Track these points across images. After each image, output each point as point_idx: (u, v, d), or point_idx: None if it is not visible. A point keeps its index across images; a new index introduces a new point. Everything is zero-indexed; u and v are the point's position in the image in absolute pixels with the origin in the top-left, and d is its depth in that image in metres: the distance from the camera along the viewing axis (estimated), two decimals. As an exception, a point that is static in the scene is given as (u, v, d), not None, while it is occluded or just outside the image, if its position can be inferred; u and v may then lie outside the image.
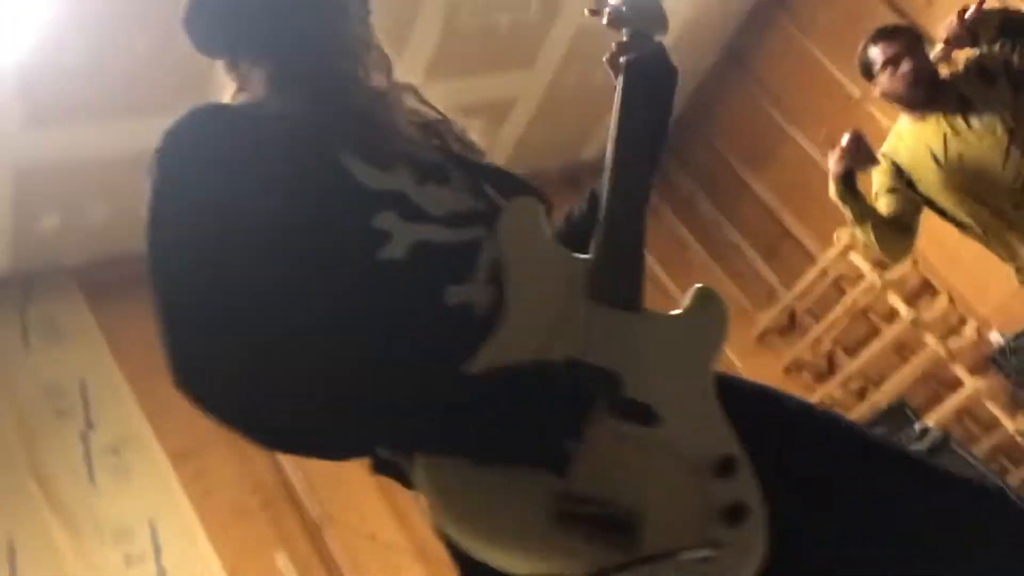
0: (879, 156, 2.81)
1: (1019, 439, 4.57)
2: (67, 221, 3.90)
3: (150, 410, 3.79)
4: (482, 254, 1.12)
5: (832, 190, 2.80)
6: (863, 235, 2.83)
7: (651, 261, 5.50)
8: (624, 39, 1.32)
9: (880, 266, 4.89)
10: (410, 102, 1.28)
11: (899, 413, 4.08)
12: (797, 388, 5.56)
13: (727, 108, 5.79)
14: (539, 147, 5.32)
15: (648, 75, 1.27)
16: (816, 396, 5.47)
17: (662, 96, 1.31)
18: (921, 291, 5.16)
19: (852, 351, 5.44)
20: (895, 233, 2.82)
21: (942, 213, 2.83)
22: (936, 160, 2.72)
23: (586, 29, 4.72)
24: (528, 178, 1.28)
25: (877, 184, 2.87)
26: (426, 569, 3.65)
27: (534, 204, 1.16)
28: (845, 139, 2.73)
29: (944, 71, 2.76)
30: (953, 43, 2.64)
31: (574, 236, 1.25)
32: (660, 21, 1.32)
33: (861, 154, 2.75)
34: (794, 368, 5.59)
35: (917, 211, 2.84)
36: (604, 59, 1.32)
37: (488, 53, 4.54)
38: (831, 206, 2.98)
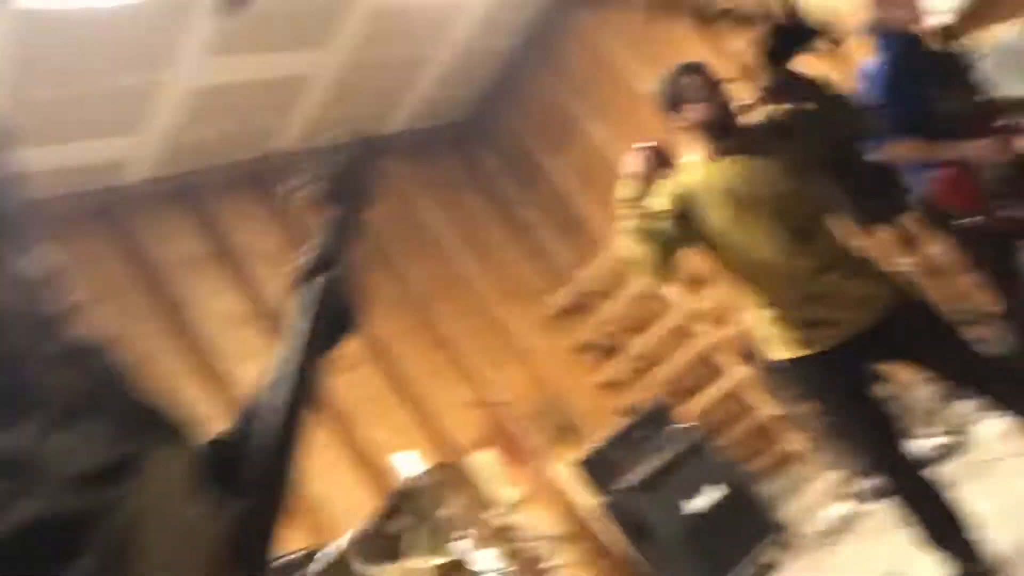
0: (662, 183, 2.88)
1: (770, 424, 4.98)
2: None
3: None
4: (106, 522, 0.99)
5: (623, 191, 2.83)
6: (629, 247, 2.87)
7: (450, 238, 5.61)
8: (314, 251, 1.24)
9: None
10: (63, 323, 1.11)
11: (660, 415, 4.33)
12: (584, 367, 5.81)
13: (530, 91, 5.86)
14: (332, 126, 5.22)
15: (334, 307, 1.21)
16: (601, 375, 5.74)
17: (339, 332, 1.24)
18: (700, 281, 5.46)
19: (635, 334, 5.73)
20: (658, 255, 2.89)
21: (705, 249, 2.91)
22: (722, 198, 2.78)
23: (383, 11, 4.66)
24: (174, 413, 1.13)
25: (655, 206, 2.91)
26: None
27: (179, 455, 1.08)
28: (649, 143, 2.78)
29: (748, 117, 2.86)
30: (770, 94, 2.74)
31: (223, 464, 1.15)
32: (367, 198, 1.27)
33: (662, 159, 2.79)
34: (582, 348, 5.83)
35: (682, 242, 2.91)
36: (289, 269, 1.23)
37: (283, 30, 4.41)
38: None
